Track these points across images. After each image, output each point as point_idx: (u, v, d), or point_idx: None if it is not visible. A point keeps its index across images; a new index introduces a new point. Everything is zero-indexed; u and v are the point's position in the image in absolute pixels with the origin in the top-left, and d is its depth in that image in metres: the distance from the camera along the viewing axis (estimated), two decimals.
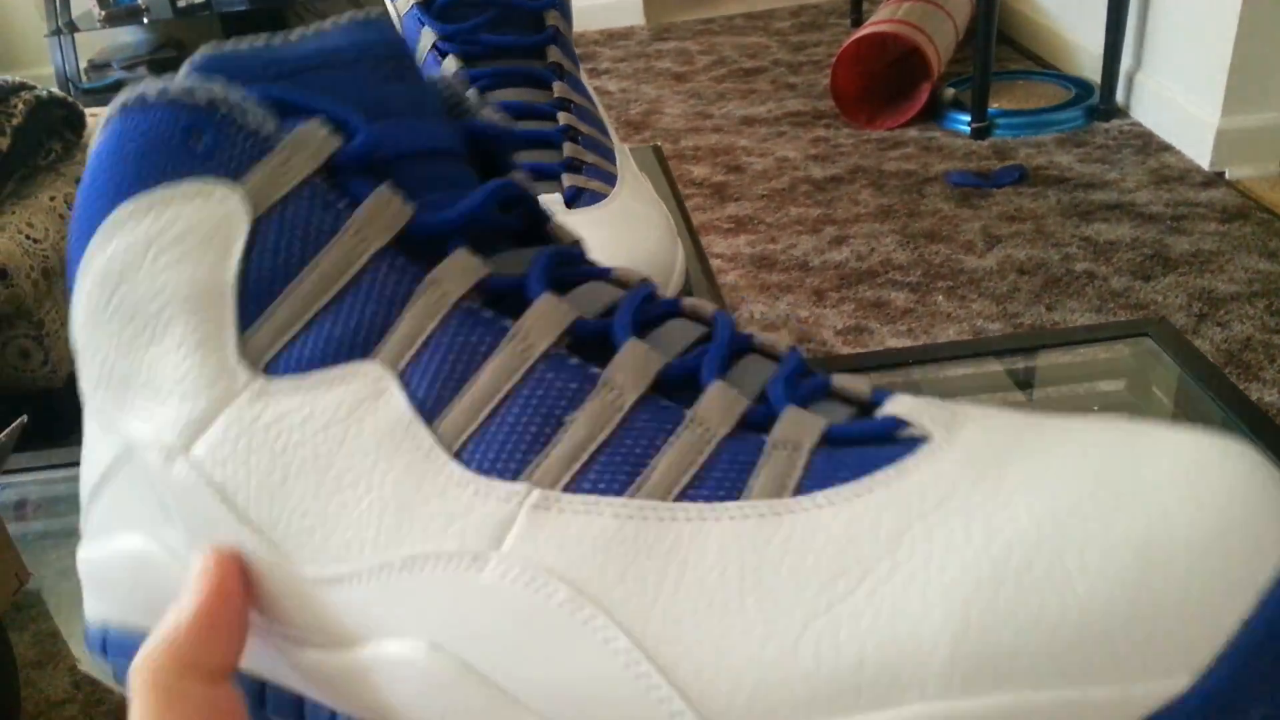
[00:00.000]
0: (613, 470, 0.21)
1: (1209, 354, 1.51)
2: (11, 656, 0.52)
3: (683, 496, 0.21)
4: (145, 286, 0.23)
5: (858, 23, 2.96)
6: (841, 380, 0.23)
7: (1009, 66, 2.60)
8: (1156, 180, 2.02)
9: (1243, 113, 1.97)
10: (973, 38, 2.27)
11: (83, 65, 3.01)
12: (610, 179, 0.52)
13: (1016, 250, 1.83)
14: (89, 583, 0.27)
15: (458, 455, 0.22)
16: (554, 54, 0.53)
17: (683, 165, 2.29)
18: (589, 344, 0.23)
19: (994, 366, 0.61)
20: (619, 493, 0.21)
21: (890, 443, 0.21)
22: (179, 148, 0.23)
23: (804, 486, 0.20)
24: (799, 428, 0.21)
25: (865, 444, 0.21)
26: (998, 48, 2.35)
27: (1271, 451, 0.46)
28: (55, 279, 1.57)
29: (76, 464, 0.75)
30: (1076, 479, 0.18)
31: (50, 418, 1.60)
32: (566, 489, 0.21)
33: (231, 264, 0.23)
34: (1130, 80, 2.27)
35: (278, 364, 0.23)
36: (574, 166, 0.51)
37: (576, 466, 0.21)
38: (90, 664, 0.28)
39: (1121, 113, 2.30)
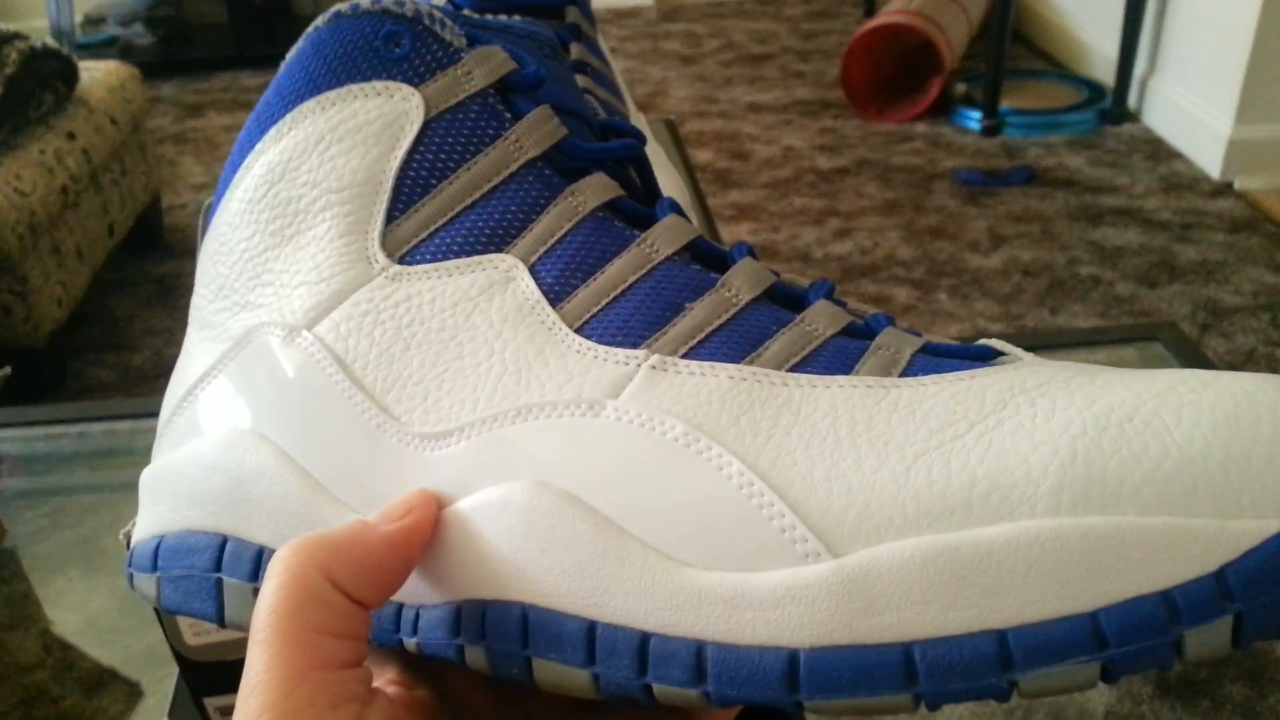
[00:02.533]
0: (729, 347, 0.22)
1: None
2: None
3: (794, 370, 0.22)
4: (307, 177, 0.25)
5: (870, 13, 2.94)
6: (934, 335, 0.25)
7: (1022, 65, 2.58)
8: (1166, 187, 2.00)
9: (1255, 124, 1.95)
10: (987, 34, 2.25)
11: (78, 20, 2.97)
12: None
13: (1022, 251, 1.82)
14: (151, 495, 0.28)
15: (579, 331, 0.23)
16: (573, 14, 0.51)
17: (686, 149, 2.26)
18: (707, 258, 0.25)
19: None
20: (735, 362, 0.22)
21: (986, 361, 0.22)
22: (377, 51, 0.25)
23: (907, 374, 0.22)
24: (899, 339, 0.23)
25: (962, 358, 0.22)
26: (1011, 46, 2.33)
27: None
28: (41, 234, 1.54)
29: (56, 421, 0.73)
30: (1165, 375, 0.21)
31: (30, 377, 1.58)
32: (684, 357, 0.22)
33: (397, 156, 0.25)
34: (1144, 85, 2.26)
35: (414, 255, 0.24)
36: None
37: (694, 341, 0.23)
38: (133, 587, 0.28)
39: (1133, 118, 2.28)
